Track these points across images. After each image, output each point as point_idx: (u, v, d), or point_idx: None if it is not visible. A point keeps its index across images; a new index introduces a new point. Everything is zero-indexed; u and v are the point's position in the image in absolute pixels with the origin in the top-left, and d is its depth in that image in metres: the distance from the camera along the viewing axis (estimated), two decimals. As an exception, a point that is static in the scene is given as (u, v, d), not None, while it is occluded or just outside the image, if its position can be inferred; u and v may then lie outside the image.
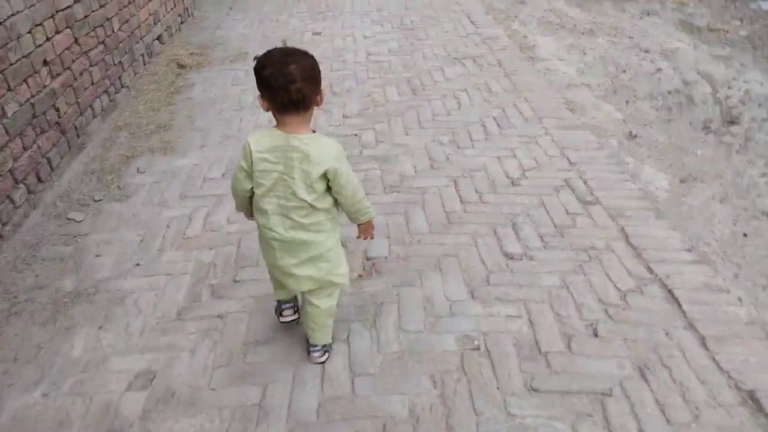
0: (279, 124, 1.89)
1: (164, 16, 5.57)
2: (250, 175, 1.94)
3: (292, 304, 2.39)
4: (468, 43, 5.56)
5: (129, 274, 2.80)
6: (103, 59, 4.25)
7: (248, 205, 2.10)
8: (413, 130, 4.01)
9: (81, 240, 3.04)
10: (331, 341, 2.33)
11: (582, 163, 3.56)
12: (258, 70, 1.82)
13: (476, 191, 3.30)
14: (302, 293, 2.18)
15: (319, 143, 1.87)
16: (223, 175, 3.58)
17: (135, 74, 4.81)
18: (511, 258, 2.80)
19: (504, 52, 5.33)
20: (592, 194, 3.26)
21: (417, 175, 3.47)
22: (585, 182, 3.37)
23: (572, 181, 3.38)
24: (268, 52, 1.84)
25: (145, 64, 5.04)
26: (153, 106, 4.48)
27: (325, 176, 1.88)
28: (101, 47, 4.22)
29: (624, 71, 5.12)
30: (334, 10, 6.66)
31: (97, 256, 2.93)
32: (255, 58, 1.84)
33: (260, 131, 1.93)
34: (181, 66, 5.16)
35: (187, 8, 6.29)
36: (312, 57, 1.87)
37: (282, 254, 2.02)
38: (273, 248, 2.03)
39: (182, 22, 6.10)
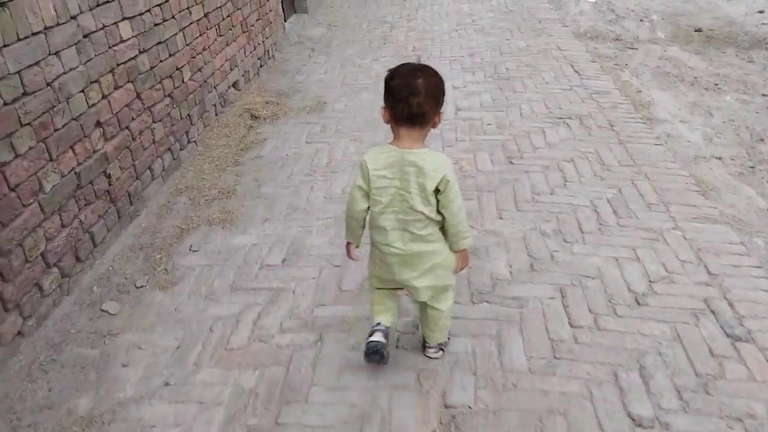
0: (395, 138, 1.95)
1: (242, 61, 5.19)
2: (367, 194, 1.99)
3: (384, 329, 2.22)
4: (572, 97, 4.83)
5: (155, 397, 2.28)
6: (169, 114, 3.85)
7: (360, 231, 2.13)
8: (509, 212, 3.33)
9: (110, 341, 2.57)
10: (447, 339, 2.36)
11: (725, 275, 2.76)
12: (387, 80, 1.90)
13: (590, 310, 2.57)
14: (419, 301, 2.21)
15: (432, 157, 1.93)
16: (283, 261, 3.04)
17: (204, 127, 4.41)
18: (640, 425, 2.06)
19: (615, 111, 4.56)
20: (741, 325, 2.47)
21: (513, 279, 2.79)
22: (731, 305, 2.57)
23: (714, 302, 2.59)
24: (401, 65, 1.93)
25: (216, 115, 4.64)
26: (219, 165, 4.04)
27: (437, 190, 1.91)
28: (167, 101, 3.83)
29: (762, 140, 4.23)
30: (421, 53, 6.11)
31: (124, 366, 2.43)
32: (388, 70, 1.94)
33: (375, 149, 1.99)
34: (254, 117, 4.73)
35: (267, 50, 5.92)
36: (440, 77, 1.93)
37: (401, 268, 2.06)
38: (391, 264, 2.06)
39: (261, 66, 5.72)
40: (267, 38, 5.90)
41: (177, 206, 3.59)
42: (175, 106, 3.93)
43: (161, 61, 3.74)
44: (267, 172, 3.93)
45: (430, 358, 2.32)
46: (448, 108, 4.72)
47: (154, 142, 3.67)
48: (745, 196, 3.51)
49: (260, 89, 5.35)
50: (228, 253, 3.13)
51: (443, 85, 1.92)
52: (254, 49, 5.51)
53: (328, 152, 4.14)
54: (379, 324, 2.21)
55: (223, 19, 4.74)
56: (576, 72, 5.39)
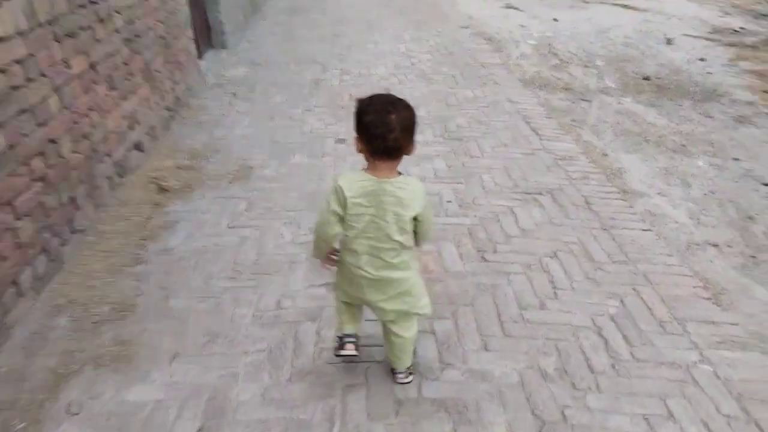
0: (370, 168, 1.92)
1: (146, 116, 4.22)
2: (341, 218, 1.94)
3: (355, 339, 2.25)
4: (536, 164, 4.20)
5: None
6: (41, 204, 2.85)
7: (330, 249, 2.09)
8: (495, 339, 2.58)
9: None
10: (411, 362, 2.31)
11: (784, 437, 2.12)
12: (359, 114, 1.88)
13: None
14: (384, 326, 2.21)
15: (409, 185, 1.92)
16: (199, 430, 2.14)
17: (96, 209, 3.41)
18: None
19: (588, 183, 3.95)
20: None
21: (523, 463, 2.03)
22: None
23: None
24: (372, 97, 1.90)
25: (112, 189, 3.64)
26: (114, 264, 3.06)
27: (415, 218, 1.93)
28: (37, 186, 2.83)
29: (750, 218, 3.74)
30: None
31: None
32: (357, 99, 1.91)
33: (350, 175, 1.94)
34: (162, 189, 3.77)
35: (179, 98, 4.96)
36: (412, 109, 1.90)
37: (370, 290, 2.05)
38: (360, 285, 2.05)
39: (172, 118, 4.75)
40: (178, 83, 4.94)
41: (54, 334, 2.60)
42: (50, 191, 2.93)
43: (25, 136, 2.75)
44: (177, 275, 3.00)
45: (401, 383, 2.30)
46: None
47: (19, 246, 2.67)
48: (760, 300, 2.94)
49: (171, 148, 4.38)
50: (121, 418, 2.20)
51: (415, 117, 1.91)
52: (162, 99, 4.55)
53: (256, 243, 3.26)
54: (348, 336, 2.24)
55: (118, 69, 3.77)
56: (533, 131, 4.78)
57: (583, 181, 4.00)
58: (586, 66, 6.72)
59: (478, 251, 3.19)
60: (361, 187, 1.89)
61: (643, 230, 3.46)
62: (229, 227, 3.42)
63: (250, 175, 4.02)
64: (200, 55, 6.09)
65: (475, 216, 3.53)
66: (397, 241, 1.93)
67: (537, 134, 4.71)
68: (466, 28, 8.00)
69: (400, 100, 1.90)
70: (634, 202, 3.83)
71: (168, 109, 4.67)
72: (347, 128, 4.78)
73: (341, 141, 4.56)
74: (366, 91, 4.92)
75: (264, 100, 5.40)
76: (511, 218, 3.51)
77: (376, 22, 8.23)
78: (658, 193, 4.02)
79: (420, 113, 4.78)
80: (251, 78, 6.03)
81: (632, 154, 4.58)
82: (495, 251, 3.19)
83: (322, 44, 7.23)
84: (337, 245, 2.10)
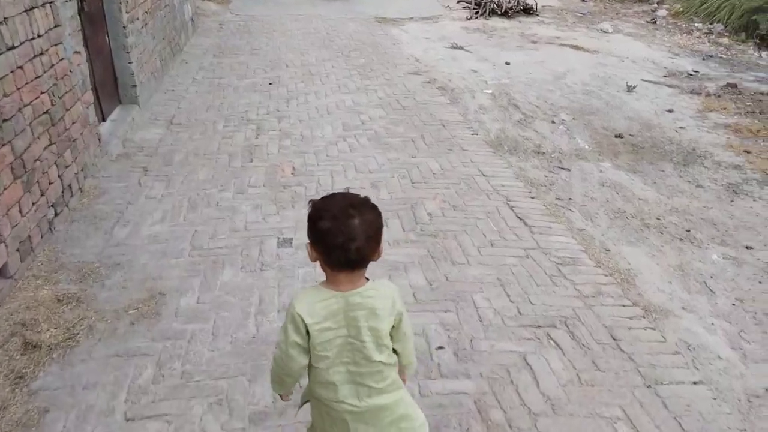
0: (330, 281, 1.54)
1: (16, 226, 2.99)
2: (305, 349, 1.55)
3: None
4: (537, 275, 3.27)
5: None
6: None
7: (296, 383, 1.69)
8: None
9: None
10: None
11: None
12: (313, 219, 1.49)
13: None
14: None
15: (381, 292, 1.56)
16: None
17: None
18: None
19: (604, 303, 3.06)
20: None
21: None
22: None
23: None
24: (327, 198, 1.55)
25: (-51, 355, 2.41)
26: None
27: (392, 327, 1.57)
28: None
29: (802, 342, 2.95)
30: (306, 179, 4.26)
31: None
32: (310, 201, 1.55)
33: (306, 294, 1.55)
34: (31, 346, 2.56)
35: (69, 185, 3.73)
36: (377, 211, 1.54)
37: (357, 426, 1.60)
38: (345, 422, 1.61)
39: (57, 214, 3.52)
40: (68, 167, 3.71)
41: None
42: None
43: None
44: None
45: None
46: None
47: None
48: None
49: (52, 266, 3.15)
50: None
51: (381, 220, 1.54)
52: (41, 196, 3.32)
53: (171, 450, 2.14)
54: None
55: (-35, 175, 2.56)
56: (520, 219, 3.87)
57: (598, 298, 3.10)
58: (552, 121, 5.93)
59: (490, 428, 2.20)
60: (325, 308, 1.53)
61: (694, 383, 2.58)
62: (127, 419, 2.26)
63: (162, 310, 2.87)
64: (103, 117, 4.85)
65: (480, 375, 2.53)
66: (378, 362, 1.58)
67: (525, 224, 3.80)
68: (417, 74, 7.08)
69: (363, 200, 1.54)
70: (663, 327, 2.95)
71: (52, 205, 3.44)
72: (293, 220, 3.71)
73: (287, 243, 3.47)
74: (312, 162, 3.87)
75: (183, 178, 4.24)
76: (528, 376, 2.54)
77: (316, 67, 7.18)
78: (683, 308, 3.17)
79: (382, 195, 3.73)
80: (167, 144, 4.84)
81: (636, 247, 3.74)
82: (510, 427, 2.21)
83: (254, 95, 6.10)
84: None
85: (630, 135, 5.66)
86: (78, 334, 2.67)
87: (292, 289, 3.03)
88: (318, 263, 1.53)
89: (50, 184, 3.43)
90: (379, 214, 1.54)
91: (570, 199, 4.31)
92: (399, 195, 4.11)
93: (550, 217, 3.95)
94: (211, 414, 2.28)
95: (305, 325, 1.51)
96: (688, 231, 4.00)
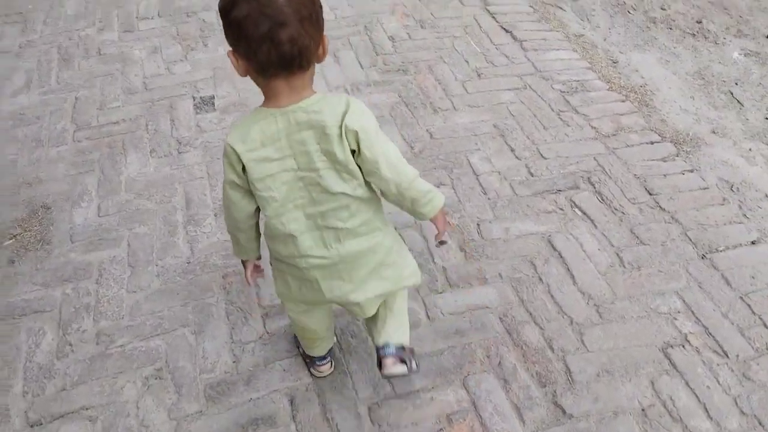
0: (267, 98, 1.13)
1: None
2: (247, 190, 1.18)
3: (328, 358, 1.59)
4: (540, 110, 2.51)
5: None
6: None
7: (255, 242, 1.33)
8: None
9: None
10: (408, 342, 1.43)
11: None
12: (226, 11, 1.03)
13: None
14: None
15: (332, 104, 1.11)
16: None
17: None
18: None
19: (629, 143, 2.38)
20: None
21: None
22: None
23: None
24: None
25: None
26: None
27: (353, 150, 1.13)
28: None
29: None
30: (216, -1, 3.10)
31: None
32: None
33: (242, 120, 1.15)
34: None
35: None
36: None
37: (330, 283, 1.26)
38: (314, 281, 1.26)
39: None
40: None
41: None
42: None
43: None
44: None
45: (389, 373, 1.36)
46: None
47: None
48: None
49: None
50: None
51: None
52: None
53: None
54: (322, 358, 1.57)
55: None
56: (507, 32, 2.96)
57: (620, 137, 2.40)
58: None
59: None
60: (261, 131, 1.11)
61: (752, 243, 2.04)
62: (30, 425, 1.55)
63: (50, 234, 2.00)
64: None
65: (499, 276, 1.88)
66: (341, 194, 1.16)
67: (514, 38, 2.90)
68: None
69: None
70: (698, 163, 2.34)
71: None
72: (209, 66, 2.72)
73: (208, 104, 2.51)
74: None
75: (45, 16, 2.98)
76: (560, 267, 1.91)
77: None
78: (714, 132, 2.54)
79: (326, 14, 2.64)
80: None
81: (646, 52, 2.98)
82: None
83: None
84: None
85: None
86: (-70, 293, 1.82)
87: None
88: (250, 77, 1.10)
89: None
90: None
91: (558, -8, 3.35)
92: (347, 11, 3.05)
93: (540, 23, 3.05)
94: (150, 396, 1.60)
95: (237, 156, 1.13)
96: (699, 22, 3.22)
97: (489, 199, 2.13)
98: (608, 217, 2.08)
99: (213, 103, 2.51)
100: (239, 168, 1.15)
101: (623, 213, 2.10)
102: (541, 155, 2.30)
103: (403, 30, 2.93)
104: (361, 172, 1.17)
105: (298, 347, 1.63)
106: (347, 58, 2.75)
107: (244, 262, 1.41)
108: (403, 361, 1.36)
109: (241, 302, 1.79)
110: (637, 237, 2.02)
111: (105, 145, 2.32)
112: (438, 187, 2.03)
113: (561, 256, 1.95)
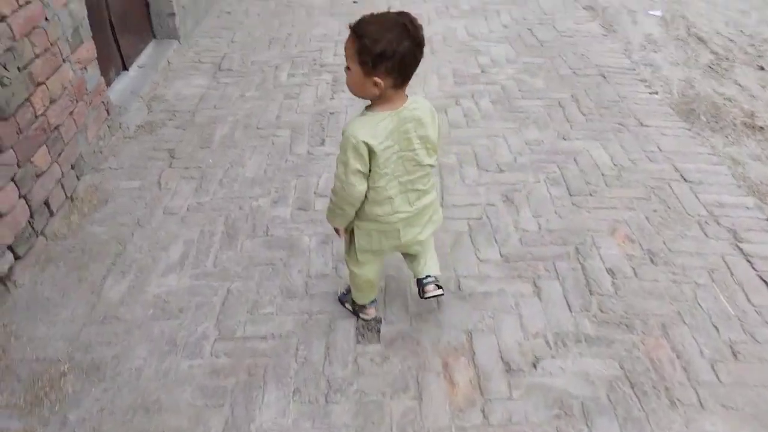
0: (382, 104, 1.54)
1: None
2: (365, 175, 1.58)
3: (375, 303, 2.02)
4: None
5: None
6: None
7: (354, 211, 1.71)
8: None
9: None
10: (439, 273, 1.92)
11: None
12: (392, 46, 1.41)
13: None
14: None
15: (421, 103, 1.61)
16: None
17: None
18: None
19: None
20: None
21: None
22: None
23: None
24: (380, 16, 1.46)
25: None
26: None
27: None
28: None
29: None
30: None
31: None
32: (351, 28, 1.46)
33: (362, 123, 1.53)
34: None
35: (47, 201, 2.37)
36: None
37: (406, 231, 1.75)
38: (396, 231, 1.73)
39: (19, 257, 2.20)
40: (42, 174, 2.34)
41: None
42: None
43: None
44: None
45: (430, 295, 1.87)
46: None
47: None
48: None
49: (-8, 370, 1.88)
50: None
51: None
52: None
53: None
54: (373, 301, 2.00)
55: None
56: (762, 280, 2.19)
57: None
58: (759, 67, 3.91)
59: None
60: (384, 129, 1.53)
61: None
62: None
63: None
64: (124, 65, 3.40)
65: None
66: (428, 165, 1.67)
67: (782, 300, 2.12)
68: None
69: (400, 11, 1.50)
70: None
71: (10, 248, 2.11)
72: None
73: (371, 329, 2.01)
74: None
75: (222, 175, 2.78)
76: None
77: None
78: None
79: (522, 220, 2.83)
80: (210, 104, 3.36)
81: None
82: None
83: (332, 21, 4.40)
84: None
85: None
86: None
87: None
88: (372, 96, 1.52)
89: (7, 213, 2.08)
90: None
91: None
92: (554, 222, 2.48)
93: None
94: None
95: (369, 148, 1.50)
96: None
97: None
98: None
99: (378, 330, 2.01)
100: (367, 158, 1.52)
101: None
102: None
103: (626, 262, 2.27)
104: None
105: (344, 304, 2.05)
106: (552, 293, 2.14)
107: (337, 230, 1.80)
108: (439, 287, 1.86)
109: None
110: None
111: (244, 370, 1.88)
112: None
113: None
